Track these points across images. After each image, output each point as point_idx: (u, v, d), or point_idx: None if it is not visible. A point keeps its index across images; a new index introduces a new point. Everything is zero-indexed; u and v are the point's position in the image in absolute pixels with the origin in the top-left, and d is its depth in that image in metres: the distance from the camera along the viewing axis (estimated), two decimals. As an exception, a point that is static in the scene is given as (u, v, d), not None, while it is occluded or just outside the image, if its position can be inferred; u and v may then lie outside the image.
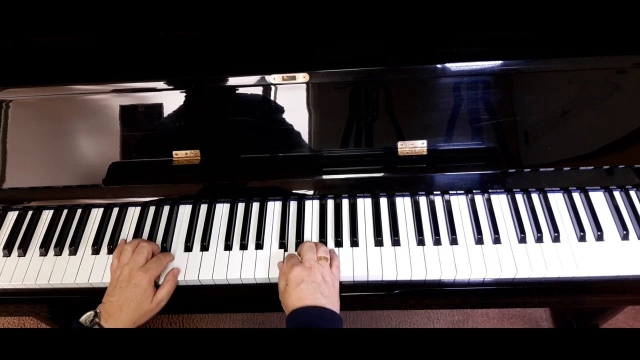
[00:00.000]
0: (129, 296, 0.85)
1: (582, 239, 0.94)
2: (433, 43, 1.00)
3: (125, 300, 0.85)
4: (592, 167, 0.99)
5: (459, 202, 1.01)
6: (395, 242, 0.95)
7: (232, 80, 0.98)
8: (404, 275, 0.92)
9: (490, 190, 1.01)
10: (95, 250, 0.99)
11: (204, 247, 0.98)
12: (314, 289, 0.83)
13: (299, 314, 0.81)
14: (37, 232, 1.04)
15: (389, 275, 0.92)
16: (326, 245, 0.96)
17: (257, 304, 0.91)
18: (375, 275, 0.92)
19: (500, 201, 1.00)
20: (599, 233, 0.94)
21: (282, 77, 0.97)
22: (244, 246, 0.98)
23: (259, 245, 0.97)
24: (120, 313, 0.84)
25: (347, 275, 0.93)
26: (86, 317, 0.83)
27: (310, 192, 1.03)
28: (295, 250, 0.96)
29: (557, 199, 1.00)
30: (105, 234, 1.02)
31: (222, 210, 1.04)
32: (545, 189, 1.01)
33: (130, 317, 0.84)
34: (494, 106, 0.98)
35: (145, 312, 0.87)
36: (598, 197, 1.00)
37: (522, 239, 0.94)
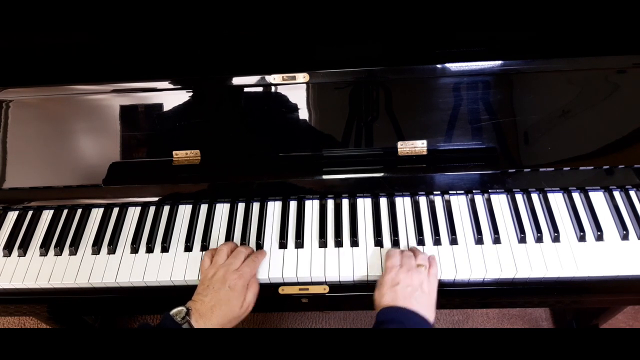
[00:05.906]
0: (222, 298, 0.84)
1: (582, 239, 0.94)
2: (433, 43, 1.00)
3: (217, 301, 0.83)
4: (592, 167, 0.99)
5: (459, 202, 1.01)
6: (395, 242, 0.95)
7: (232, 80, 0.99)
8: (404, 275, 0.92)
9: (490, 190, 1.01)
10: (96, 250, 0.99)
11: (205, 248, 0.98)
12: (409, 293, 0.82)
13: (391, 311, 0.81)
14: (37, 232, 1.04)
15: (389, 275, 0.92)
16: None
17: (258, 304, 0.91)
18: (375, 276, 0.92)
19: (500, 201, 1.00)
20: (599, 233, 0.94)
21: (282, 77, 0.97)
22: (244, 246, 0.98)
23: (259, 246, 0.97)
24: (211, 314, 0.82)
25: (346, 275, 0.93)
26: (177, 312, 0.81)
27: (311, 192, 1.03)
28: (296, 248, 0.96)
29: (557, 199, 1.00)
30: (105, 234, 1.02)
31: (222, 210, 1.04)
32: (545, 189, 1.01)
33: (221, 321, 0.83)
34: (494, 106, 0.98)
35: (235, 316, 0.85)
36: (598, 197, 1.00)
37: (522, 239, 0.94)
